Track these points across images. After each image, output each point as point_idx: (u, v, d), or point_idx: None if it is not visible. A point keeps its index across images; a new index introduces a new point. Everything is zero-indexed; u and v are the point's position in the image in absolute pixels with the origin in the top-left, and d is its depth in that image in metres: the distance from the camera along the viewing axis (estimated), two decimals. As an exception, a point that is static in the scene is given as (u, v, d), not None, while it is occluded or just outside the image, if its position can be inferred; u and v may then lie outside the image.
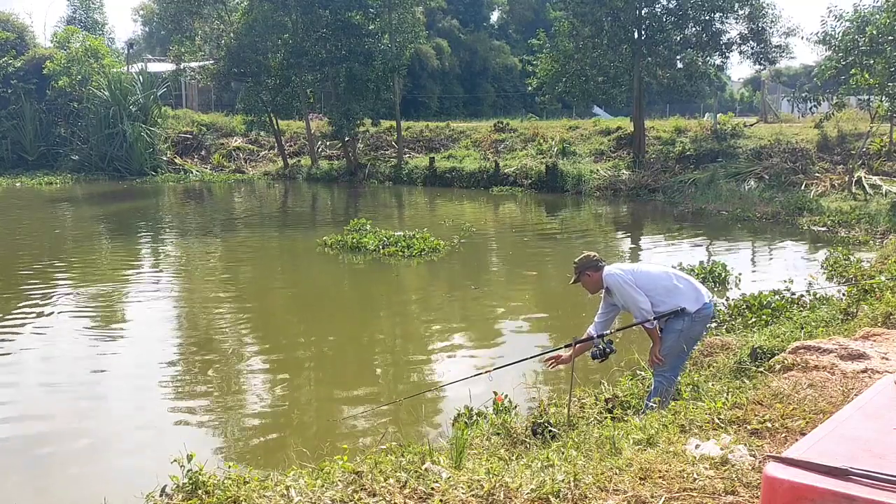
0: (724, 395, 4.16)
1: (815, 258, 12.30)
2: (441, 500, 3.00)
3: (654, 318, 4.84)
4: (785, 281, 9.22)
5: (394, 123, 29.31)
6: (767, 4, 23.03)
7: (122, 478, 4.87)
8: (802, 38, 32.53)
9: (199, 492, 3.28)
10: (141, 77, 31.13)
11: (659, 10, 23.45)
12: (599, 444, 3.67)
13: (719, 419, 3.72)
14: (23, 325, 8.59)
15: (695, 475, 3.04)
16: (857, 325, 6.06)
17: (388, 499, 3.04)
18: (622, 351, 6.45)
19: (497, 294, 10.59)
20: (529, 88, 28.29)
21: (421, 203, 22.74)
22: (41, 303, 9.59)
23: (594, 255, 5.18)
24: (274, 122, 29.00)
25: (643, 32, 23.35)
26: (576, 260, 5.19)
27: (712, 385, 4.75)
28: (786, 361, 4.70)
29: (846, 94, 18.93)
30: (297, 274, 12.51)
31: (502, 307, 9.83)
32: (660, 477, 3.07)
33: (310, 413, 6.13)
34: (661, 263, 5.22)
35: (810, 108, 21.70)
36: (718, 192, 19.28)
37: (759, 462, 3.10)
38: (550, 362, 5.13)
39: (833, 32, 19.20)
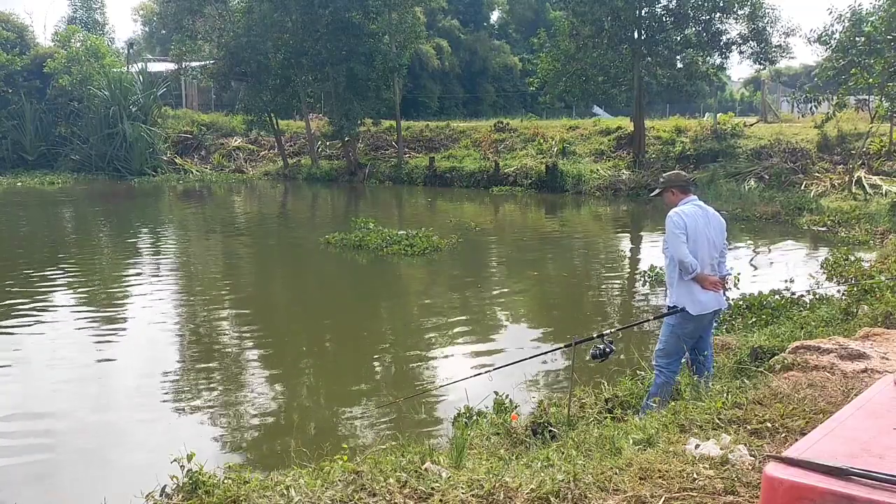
0: (724, 394, 4.16)
1: (816, 258, 12.29)
2: (441, 500, 3.00)
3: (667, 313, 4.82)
4: (785, 281, 9.22)
5: (394, 123, 29.30)
6: (767, 5, 23.09)
7: (122, 478, 4.87)
8: (801, 36, 32.61)
9: (199, 491, 3.29)
10: (141, 77, 31.14)
11: (659, 9, 23.45)
12: (599, 444, 3.67)
13: (719, 419, 3.72)
14: (23, 324, 8.59)
15: (695, 475, 3.04)
16: (857, 325, 6.07)
17: (388, 499, 3.04)
18: (622, 351, 6.45)
19: (497, 293, 10.59)
20: (531, 88, 28.28)
21: (421, 203, 22.72)
22: (42, 302, 9.59)
23: (685, 176, 5.09)
24: (274, 122, 29.00)
25: (643, 32, 23.35)
26: (666, 174, 5.10)
27: (712, 385, 4.74)
28: (786, 361, 4.70)
29: (846, 95, 18.94)
30: (298, 273, 12.51)
31: (503, 307, 9.83)
32: (660, 477, 3.07)
33: (310, 412, 6.13)
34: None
35: (810, 108, 21.69)
36: (718, 191, 19.27)
37: (759, 462, 3.10)
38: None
39: (831, 32, 19.21)
